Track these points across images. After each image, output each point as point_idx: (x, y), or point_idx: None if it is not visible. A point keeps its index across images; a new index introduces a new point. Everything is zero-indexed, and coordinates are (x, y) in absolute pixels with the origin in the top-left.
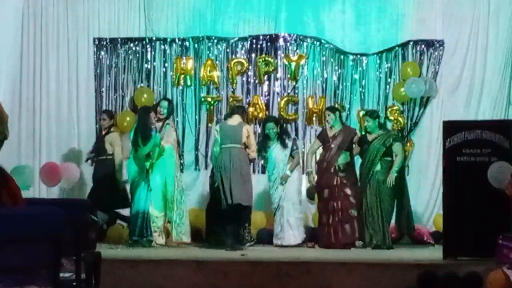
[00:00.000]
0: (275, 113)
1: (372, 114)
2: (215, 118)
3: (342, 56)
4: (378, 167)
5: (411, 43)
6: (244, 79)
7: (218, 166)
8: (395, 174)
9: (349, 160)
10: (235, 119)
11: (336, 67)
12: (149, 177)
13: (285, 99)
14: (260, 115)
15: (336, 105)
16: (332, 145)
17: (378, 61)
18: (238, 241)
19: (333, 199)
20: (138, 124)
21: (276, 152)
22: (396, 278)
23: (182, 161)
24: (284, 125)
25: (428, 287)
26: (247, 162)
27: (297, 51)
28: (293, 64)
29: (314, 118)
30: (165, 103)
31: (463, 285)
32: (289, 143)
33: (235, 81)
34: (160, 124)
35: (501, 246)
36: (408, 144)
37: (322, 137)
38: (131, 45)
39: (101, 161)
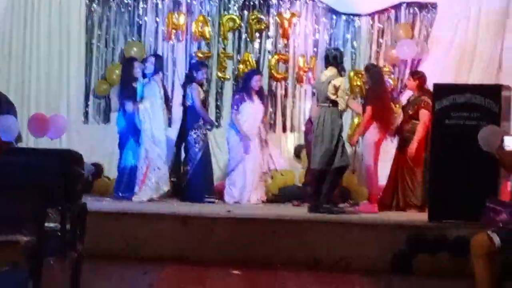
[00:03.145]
0: (266, 71)
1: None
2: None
3: (334, 16)
4: None
5: (404, 4)
6: (236, 36)
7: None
8: None
9: None
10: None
11: (328, 27)
12: (137, 132)
13: (276, 57)
14: None
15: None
16: None
17: (371, 22)
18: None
19: None
20: (122, 75)
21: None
22: (383, 239)
23: (170, 116)
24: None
25: (416, 249)
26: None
27: (290, 9)
28: (285, 22)
29: (304, 77)
30: (152, 59)
31: (452, 249)
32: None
33: (226, 37)
34: (146, 80)
35: (488, 208)
36: (397, 106)
37: None
38: None
39: None
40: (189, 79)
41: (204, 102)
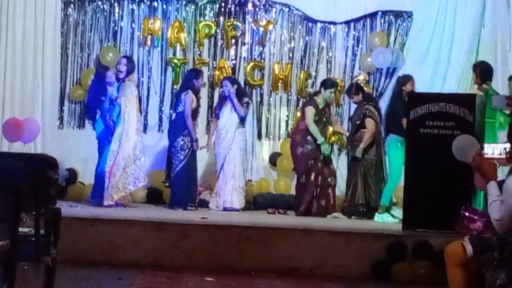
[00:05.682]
0: (241, 78)
1: None
2: (180, 80)
3: (310, 24)
4: None
5: (380, 13)
6: (212, 42)
7: None
8: None
9: None
10: None
11: (304, 34)
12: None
13: (252, 64)
14: None
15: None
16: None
17: (346, 30)
18: None
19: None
20: (96, 79)
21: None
22: (360, 247)
23: (145, 122)
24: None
25: (395, 258)
26: None
27: (266, 16)
28: (261, 29)
29: (279, 84)
30: (124, 60)
31: (431, 257)
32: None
33: (202, 44)
34: (121, 82)
35: (463, 216)
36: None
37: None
38: (99, 3)
39: None
40: (185, 86)
41: (196, 111)
